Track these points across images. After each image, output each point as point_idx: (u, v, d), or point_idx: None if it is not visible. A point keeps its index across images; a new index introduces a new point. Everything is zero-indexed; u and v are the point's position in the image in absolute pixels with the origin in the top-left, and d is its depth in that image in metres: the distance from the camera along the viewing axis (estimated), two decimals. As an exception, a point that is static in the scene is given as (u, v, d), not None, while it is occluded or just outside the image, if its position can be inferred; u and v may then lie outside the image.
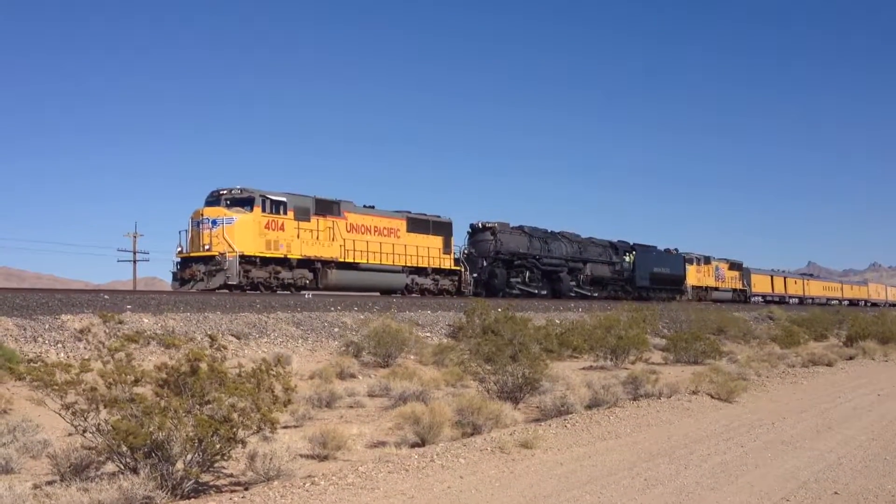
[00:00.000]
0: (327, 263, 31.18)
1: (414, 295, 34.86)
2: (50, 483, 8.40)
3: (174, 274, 28.30)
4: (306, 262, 30.45)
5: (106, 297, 20.98)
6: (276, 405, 8.69)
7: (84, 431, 8.24)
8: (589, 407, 14.07)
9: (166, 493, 7.73)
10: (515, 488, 8.56)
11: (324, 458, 10.27)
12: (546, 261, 43.54)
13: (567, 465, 9.68)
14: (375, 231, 33.72)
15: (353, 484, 8.25)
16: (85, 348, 15.84)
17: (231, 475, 9.13)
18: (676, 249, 58.30)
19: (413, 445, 10.72)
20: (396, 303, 29.22)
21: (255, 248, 28.36)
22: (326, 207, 31.66)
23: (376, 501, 7.76)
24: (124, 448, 7.91)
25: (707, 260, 62.46)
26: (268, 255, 28.86)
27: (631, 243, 52.62)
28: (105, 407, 8.10)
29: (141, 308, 19.90)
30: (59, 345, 16.45)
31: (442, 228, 37.77)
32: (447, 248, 37.81)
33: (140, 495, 7.41)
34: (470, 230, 41.63)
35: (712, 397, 15.46)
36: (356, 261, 32.20)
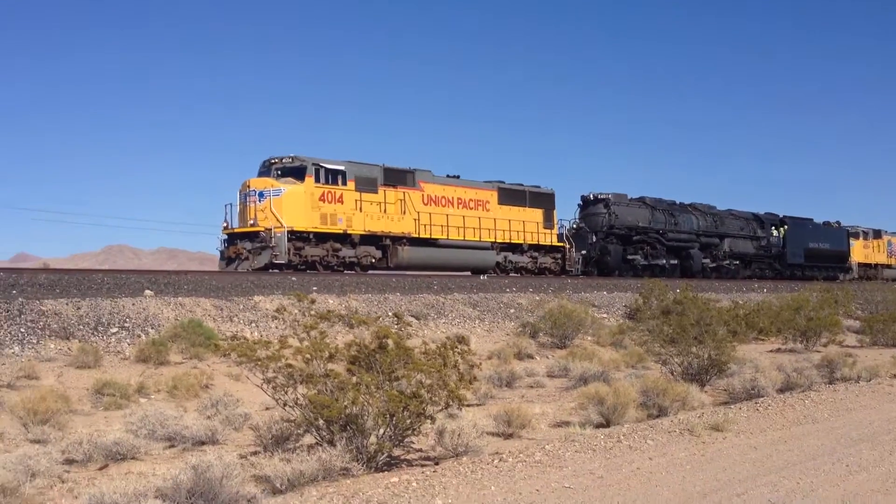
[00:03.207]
0: (398, 240, 27.98)
1: (513, 275, 31.63)
2: (254, 453, 8.87)
3: (221, 252, 25.91)
4: (372, 238, 27.31)
5: (293, 279, 21.94)
6: (463, 382, 8.81)
7: (284, 405, 8.65)
8: (781, 390, 13.47)
9: (362, 466, 8.00)
10: (708, 471, 8.29)
11: (508, 436, 10.35)
12: (672, 236, 39.30)
13: (762, 450, 9.29)
14: (459, 203, 30.29)
15: (540, 462, 8.25)
16: (276, 328, 16.63)
17: (420, 450, 9.35)
18: (839, 223, 53.00)
19: (598, 426, 10.61)
20: (571, 284, 28.93)
21: (308, 223, 25.44)
22: (398, 177, 28.43)
23: (566, 480, 7.71)
24: (321, 421, 8.26)
25: (878, 234, 56.56)
26: (323, 231, 25.82)
27: (780, 216, 47.90)
28: (302, 382, 8.48)
29: (326, 290, 20.68)
30: (253, 324, 17.34)
31: (542, 200, 33.81)
32: (548, 222, 33.85)
33: (338, 467, 7.71)
34: (581, 202, 38.05)
35: (918, 382, 14.46)
36: (434, 236, 28.95)
